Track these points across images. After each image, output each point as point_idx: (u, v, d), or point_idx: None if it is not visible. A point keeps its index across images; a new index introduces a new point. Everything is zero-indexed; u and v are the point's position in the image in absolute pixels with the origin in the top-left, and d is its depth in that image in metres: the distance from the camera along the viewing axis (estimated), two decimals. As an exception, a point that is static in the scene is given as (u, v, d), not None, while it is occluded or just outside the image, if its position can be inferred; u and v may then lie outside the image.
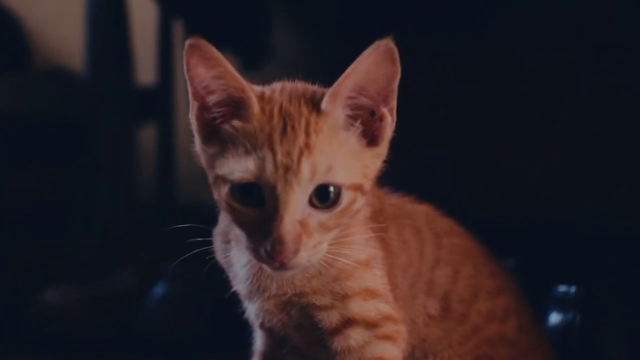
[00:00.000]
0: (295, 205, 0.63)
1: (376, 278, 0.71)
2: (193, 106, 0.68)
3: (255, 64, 1.62)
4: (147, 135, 1.79)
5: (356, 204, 0.66)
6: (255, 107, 0.65)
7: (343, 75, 0.64)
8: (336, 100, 0.65)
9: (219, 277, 0.75)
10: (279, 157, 0.62)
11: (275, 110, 0.65)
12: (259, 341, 0.80)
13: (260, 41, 1.66)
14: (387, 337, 0.70)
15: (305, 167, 0.62)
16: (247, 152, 0.64)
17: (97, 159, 1.52)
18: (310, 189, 0.63)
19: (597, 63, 1.43)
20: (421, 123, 1.43)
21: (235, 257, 0.72)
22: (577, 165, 1.46)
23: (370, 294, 0.70)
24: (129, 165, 1.56)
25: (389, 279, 0.72)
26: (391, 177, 0.72)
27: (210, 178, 0.68)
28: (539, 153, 1.50)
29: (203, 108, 0.67)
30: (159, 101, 1.77)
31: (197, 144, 0.69)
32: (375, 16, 1.52)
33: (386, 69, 0.65)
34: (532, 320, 0.84)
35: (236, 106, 0.66)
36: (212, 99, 0.67)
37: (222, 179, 0.66)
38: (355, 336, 0.70)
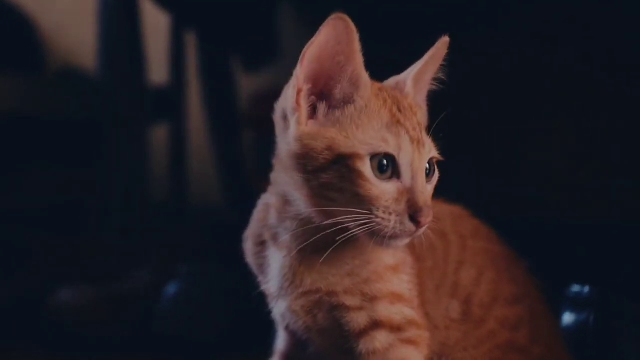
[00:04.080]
0: (424, 174, 0.68)
1: (403, 283, 0.73)
2: (302, 87, 0.68)
3: (260, 64, 1.63)
4: (160, 136, 1.80)
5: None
6: (368, 89, 0.69)
7: (415, 66, 0.73)
8: (413, 84, 0.73)
9: (233, 277, 0.76)
10: (411, 131, 0.68)
11: (385, 95, 0.70)
12: (282, 342, 0.81)
13: (266, 42, 1.66)
14: (411, 342, 0.72)
15: (427, 140, 0.69)
16: (378, 130, 0.68)
17: (110, 159, 1.53)
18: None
19: (599, 65, 1.43)
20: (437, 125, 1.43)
21: (271, 256, 0.74)
22: (593, 166, 1.46)
23: (396, 297, 0.72)
24: (141, 165, 1.56)
25: (417, 283, 0.74)
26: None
27: (321, 162, 0.67)
28: (553, 155, 1.50)
29: (319, 86, 0.69)
30: (171, 102, 1.78)
31: (306, 129, 0.68)
32: (383, 16, 1.52)
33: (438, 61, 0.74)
34: (550, 330, 0.84)
35: (354, 86, 0.69)
36: (336, 74, 0.68)
37: (349, 157, 0.66)
38: (381, 338, 0.71)
